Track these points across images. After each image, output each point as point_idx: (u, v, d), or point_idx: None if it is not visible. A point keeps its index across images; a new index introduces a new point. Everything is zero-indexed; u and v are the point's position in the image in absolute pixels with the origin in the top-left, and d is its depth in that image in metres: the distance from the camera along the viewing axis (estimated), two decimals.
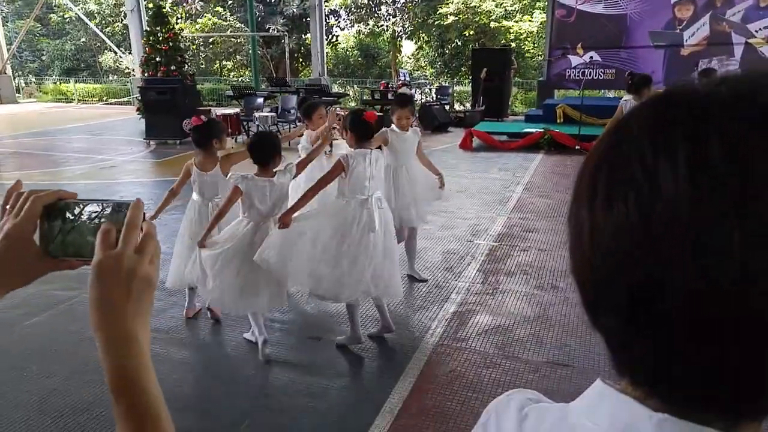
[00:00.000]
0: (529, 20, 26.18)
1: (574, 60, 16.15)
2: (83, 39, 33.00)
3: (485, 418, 0.71)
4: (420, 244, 6.13)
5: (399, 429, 3.51)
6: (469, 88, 20.12)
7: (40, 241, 0.79)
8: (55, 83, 30.03)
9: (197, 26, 30.17)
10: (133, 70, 23.08)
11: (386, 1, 30.06)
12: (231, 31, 30.11)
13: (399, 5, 29.87)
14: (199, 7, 30.72)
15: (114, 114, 21.37)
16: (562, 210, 7.70)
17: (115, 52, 30.28)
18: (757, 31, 14.48)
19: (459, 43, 27.76)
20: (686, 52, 15.04)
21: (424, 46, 30.89)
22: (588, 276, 0.52)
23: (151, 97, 14.31)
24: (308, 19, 24.71)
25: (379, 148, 4.84)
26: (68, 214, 0.79)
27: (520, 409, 0.66)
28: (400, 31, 30.76)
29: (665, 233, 0.44)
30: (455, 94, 20.96)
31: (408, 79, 20.39)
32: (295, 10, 28.78)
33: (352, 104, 21.86)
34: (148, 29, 15.64)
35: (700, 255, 0.43)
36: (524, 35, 26.51)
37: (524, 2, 26.80)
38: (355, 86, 26.04)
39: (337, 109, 5.60)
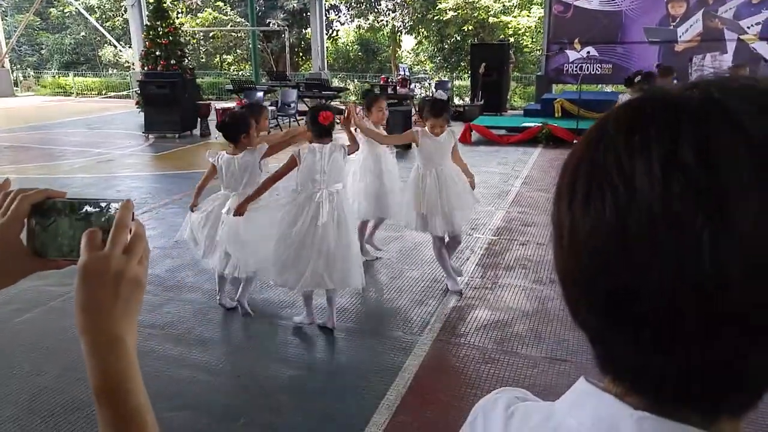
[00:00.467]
0: (528, 15, 26.14)
1: (572, 55, 16.22)
2: (83, 33, 32.88)
3: (473, 417, 0.71)
4: (419, 238, 6.13)
5: (397, 425, 3.50)
6: (468, 83, 20.10)
7: (28, 240, 0.79)
8: (54, 77, 29.96)
9: (198, 20, 30.16)
10: (133, 64, 23.03)
11: None
12: (231, 26, 30.08)
13: (399, 0, 29.82)
14: (199, 2, 30.68)
15: (113, 108, 21.31)
16: None
17: (115, 46, 30.21)
18: (749, 28, 14.57)
19: (458, 38, 27.72)
20: (680, 48, 15.16)
21: (423, 41, 30.83)
22: (568, 274, 0.53)
23: (151, 90, 14.27)
24: (308, 13, 24.72)
25: (409, 147, 4.87)
26: (56, 213, 0.78)
27: (506, 408, 0.66)
28: (400, 26, 30.71)
29: (640, 233, 0.45)
30: (454, 89, 20.92)
31: (408, 73, 20.33)
32: (295, 4, 28.71)
33: (352, 98, 21.86)
34: (149, 23, 15.62)
35: (673, 254, 0.44)
36: (522, 30, 26.46)
37: None
38: (355, 81, 26.00)
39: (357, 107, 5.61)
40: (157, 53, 15.06)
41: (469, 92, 18.61)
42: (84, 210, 0.78)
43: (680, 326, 0.46)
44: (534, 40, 26.25)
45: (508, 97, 19.15)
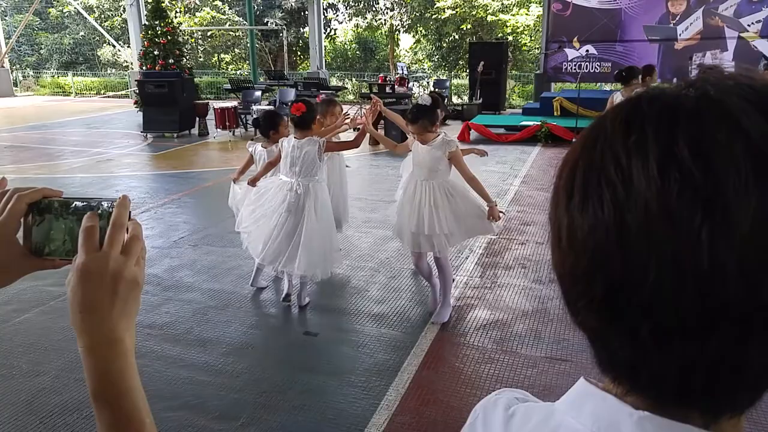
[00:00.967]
0: (526, 14, 26.13)
1: (571, 53, 16.24)
2: (82, 33, 32.87)
3: (473, 417, 0.71)
4: None
5: (396, 426, 3.50)
6: (466, 81, 20.11)
7: (24, 239, 0.78)
8: (53, 77, 29.95)
9: (196, 20, 30.15)
10: (132, 64, 23.04)
11: None
12: (229, 25, 30.10)
13: None
14: (197, 1, 30.66)
15: (111, 107, 21.29)
16: None
17: (114, 46, 30.21)
18: (749, 25, 14.58)
19: (456, 37, 27.74)
20: (680, 46, 15.18)
21: (421, 39, 30.83)
22: (566, 273, 0.53)
23: (149, 90, 14.27)
24: (306, 12, 24.73)
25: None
26: (53, 212, 0.78)
27: (506, 409, 0.66)
28: (398, 24, 30.71)
29: (638, 231, 0.45)
30: (453, 88, 20.91)
31: (406, 72, 20.35)
32: (293, 3, 28.70)
33: (351, 97, 21.86)
34: (147, 23, 15.65)
35: (671, 252, 0.44)
36: (521, 29, 26.46)
37: None
38: (353, 79, 26.03)
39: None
40: (156, 53, 15.08)
41: (468, 91, 18.62)
42: (80, 209, 0.77)
43: (679, 323, 0.46)
44: (532, 38, 26.27)
45: (507, 95, 19.17)
